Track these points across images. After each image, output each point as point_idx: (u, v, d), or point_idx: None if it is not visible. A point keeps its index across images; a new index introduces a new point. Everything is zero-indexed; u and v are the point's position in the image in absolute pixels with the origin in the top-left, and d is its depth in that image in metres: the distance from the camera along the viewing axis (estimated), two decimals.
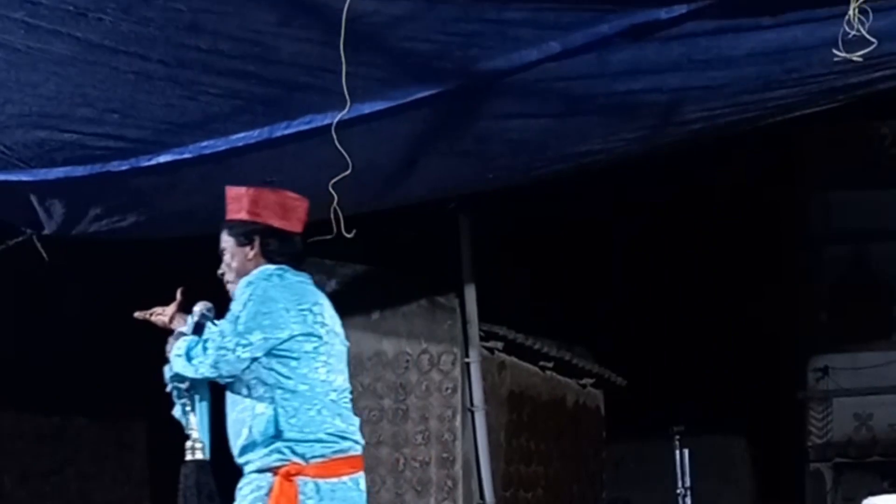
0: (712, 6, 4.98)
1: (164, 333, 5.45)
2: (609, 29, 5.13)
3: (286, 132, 6.16)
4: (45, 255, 8.09)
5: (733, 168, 13.96)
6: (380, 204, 7.66)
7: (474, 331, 11.25)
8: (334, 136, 5.46)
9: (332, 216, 5.64)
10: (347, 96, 5.26)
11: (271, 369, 5.08)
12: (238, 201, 5.36)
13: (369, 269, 11.66)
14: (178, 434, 5.39)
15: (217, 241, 5.44)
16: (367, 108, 5.75)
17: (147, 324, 5.57)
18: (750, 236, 16.66)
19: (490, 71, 5.56)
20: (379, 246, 10.81)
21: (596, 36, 5.18)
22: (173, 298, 5.53)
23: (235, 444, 5.17)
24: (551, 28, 5.25)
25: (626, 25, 5.09)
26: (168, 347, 5.28)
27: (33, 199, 7.61)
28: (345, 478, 5.09)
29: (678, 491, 10.11)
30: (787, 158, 16.53)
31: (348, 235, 5.70)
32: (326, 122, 5.68)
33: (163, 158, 6.76)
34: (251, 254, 5.28)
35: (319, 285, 11.68)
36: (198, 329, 5.25)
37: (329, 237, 5.82)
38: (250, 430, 5.08)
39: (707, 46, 5.36)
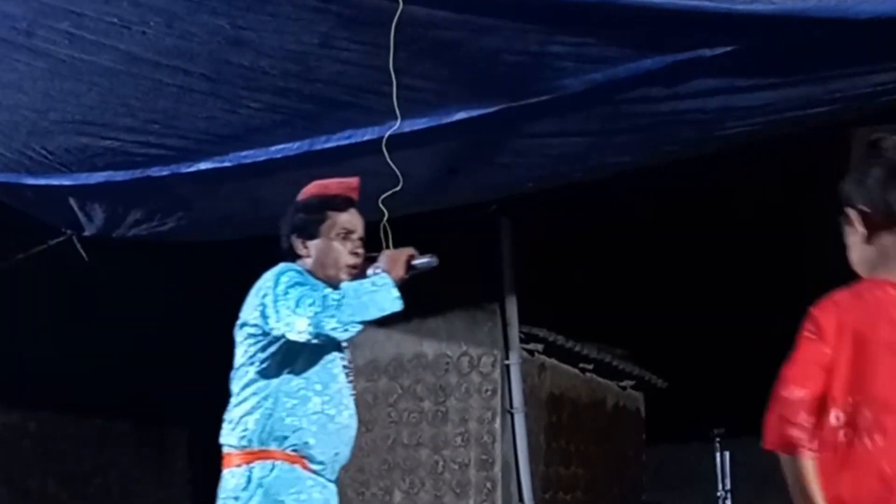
0: (756, 46, 4.95)
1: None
2: (652, 64, 5.14)
3: (326, 146, 6.18)
4: (84, 255, 8.13)
5: (775, 170, 13.86)
6: (417, 208, 7.67)
7: (514, 333, 11.21)
8: (385, 153, 5.45)
9: (381, 233, 5.63)
10: (398, 112, 5.27)
11: None
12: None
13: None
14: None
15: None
16: (408, 127, 5.77)
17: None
18: (790, 240, 16.55)
19: (532, 98, 5.58)
20: (420, 248, 10.79)
21: (639, 70, 5.20)
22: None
23: None
24: (595, 62, 5.28)
25: (670, 62, 5.09)
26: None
27: (72, 202, 7.63)
28: None
29: (718, 494, 10.08)
30: (813, 165, 16.36)
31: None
32: (366, 137, 5.71)
33: (203, 166, 6.80)
34: None
35: None
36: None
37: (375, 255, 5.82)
38: None
39: (751, 74, 5.34)
